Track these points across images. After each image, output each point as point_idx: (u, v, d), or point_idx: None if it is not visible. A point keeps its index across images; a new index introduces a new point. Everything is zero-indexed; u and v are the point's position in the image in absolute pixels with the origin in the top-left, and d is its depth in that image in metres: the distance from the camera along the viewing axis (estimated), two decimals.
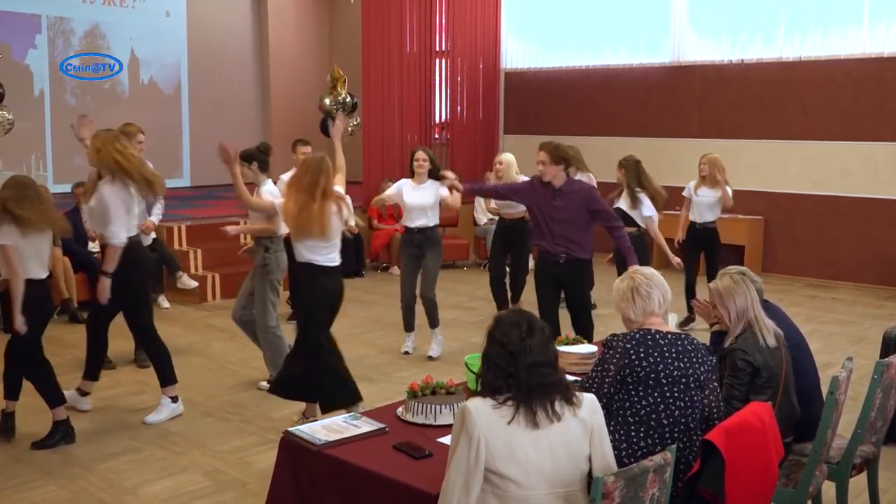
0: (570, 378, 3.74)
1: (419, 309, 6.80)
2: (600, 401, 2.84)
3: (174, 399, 5.47)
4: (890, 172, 9.71)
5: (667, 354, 3.07)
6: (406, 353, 6.77)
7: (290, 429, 3.40)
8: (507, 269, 7.54)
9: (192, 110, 13.53)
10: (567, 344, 4.44)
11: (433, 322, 6.76)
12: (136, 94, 12.93)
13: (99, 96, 12.56)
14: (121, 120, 12.38)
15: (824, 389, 3.46)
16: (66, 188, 9.13)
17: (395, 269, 10.24)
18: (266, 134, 14.29)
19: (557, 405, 2.61)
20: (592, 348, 4.38)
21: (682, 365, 3.08)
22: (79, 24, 12.26)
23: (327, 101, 11.37)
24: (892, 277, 9.74)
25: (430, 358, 6.64)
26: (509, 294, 7.52)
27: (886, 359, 3.62)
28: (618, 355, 3.08)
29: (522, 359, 2.60)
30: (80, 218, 7.83)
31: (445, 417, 3.45)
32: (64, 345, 7.07)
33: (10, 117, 8.69)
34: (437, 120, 12.80)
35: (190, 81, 13.48)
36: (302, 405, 5.28)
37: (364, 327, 7.74)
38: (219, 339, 6.63)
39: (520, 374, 2.59)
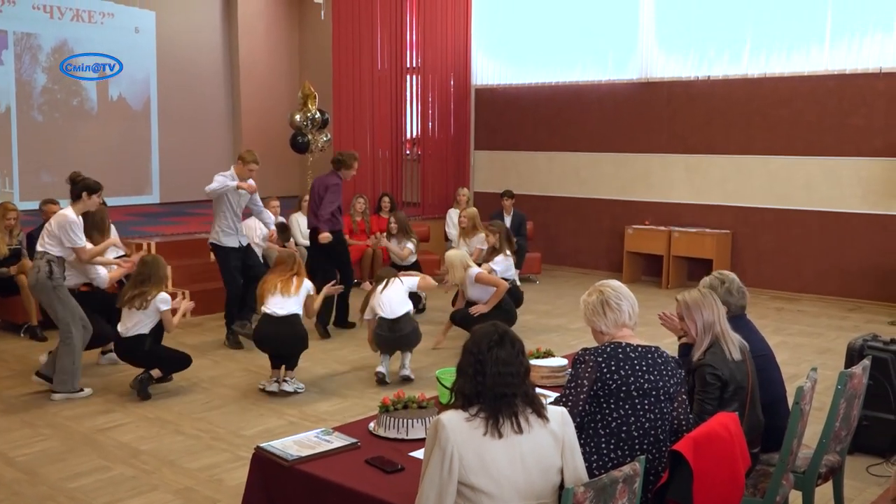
0: (544, 392, 3.80)
1: None
2: (576, 417, 2.85)
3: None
4: (853, 186, 9.89)
5: (637, 367, 3.10)
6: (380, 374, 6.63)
7: (261, 445, 3.39)
8: None
9: (161, 126, 13.45)
10: (537, 357, 4.48)
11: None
12: (105, 111, 12.85)
13: (67, 113, 12.46)
14: (90, 136, 12.42)
15: (791, 400, 3.51)
16: (34, 205, 9.03)
17: (367, 285, 10.19)
18: (236, 149, 14.24)
19: (524, 416, 2.62)
20: (563, 361, 4.41)
21: (652, 378, 3.11)
22: (46, 41, 12.17)
23: (298, 117, 11.36)
24: (856, 289, 9.91)
25: (406, 378, 6.56)
26: None
27: (850, 369, 3.68)
28: (589, 369, 3.10)
29: (490, 367, 2.62)
30: None
31: (417, 431, 3.46)
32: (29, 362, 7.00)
33: None
34: (409, 136, 12.83)
35: (160, 97, 13.42)
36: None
37: (336, 343, 7.72)
38: (192, 357, 6.57)
39: (486, 381, 2.61)
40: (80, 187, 6.13)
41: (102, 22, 12.72)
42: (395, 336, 6.41)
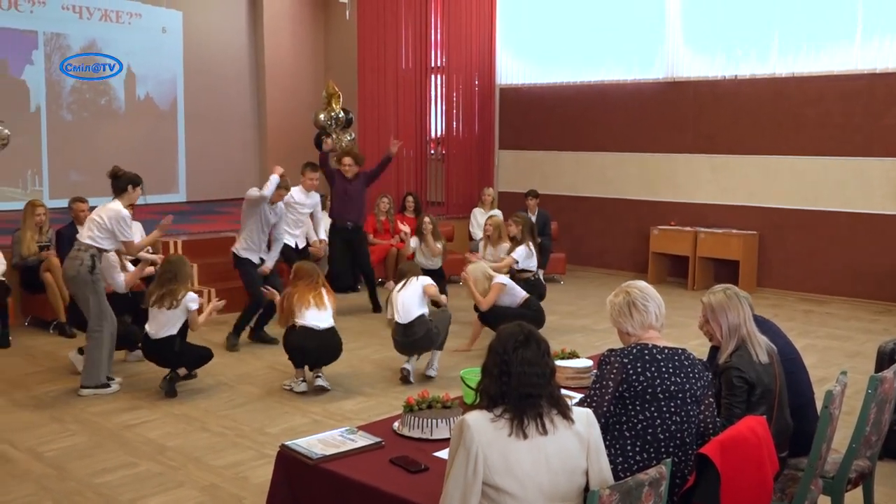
0: (569, 394, 3.79)
1: None
2: (601, 418, 2.83)
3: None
4: (882, 187, 9.77)
5: (664, 369, 3.08)
6: (405, 370, 6.65)
7: (286, 443, 3.40)
8: None
9: (188, 125, 13.54)
10: (563, 358, 4.46)
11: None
12: (133, 110, 12.96)
13: (95, 112, 12.58)
14: (117, 135, 12.55)
15: (819, 404, 3.47)
16: (63, 203, 9.12)
17: (390, 284, 10.23)
18: (261, 148, 14.33)
19: (549, 417, 2.61)
20: (588, 363, 4.39)
21: (678, 380, 3.09)
22: (75, 40, 12.29)
23: (322, 116, 11.40)
24: (886, 292, 9.78)
25: (429, 377, 6.58)
26: None
27: (881, 373, 3.63)
28: (615, 370, 3.08)
29: (515, 367, 2.61)
30: (77, 233, 7.81)
31: (442, 431, 3.45)
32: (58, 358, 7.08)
33: (7, 132, 8.69)
34: (433, 135, 12.83)
35: (186, 97, 13.51)
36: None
37: (360, 342, 7.74)
38: (215, 354, 6.62)
39: (512, 381, 2.60)
40: (125, 181, 6.26)
41: (130, 22, 12.83)
42: (408, 340, 6.43)
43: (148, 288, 6.45)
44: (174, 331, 6.13)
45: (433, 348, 6.57)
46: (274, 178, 7.64)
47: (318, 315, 6.15)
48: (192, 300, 6.16)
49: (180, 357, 6.20)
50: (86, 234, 6.19)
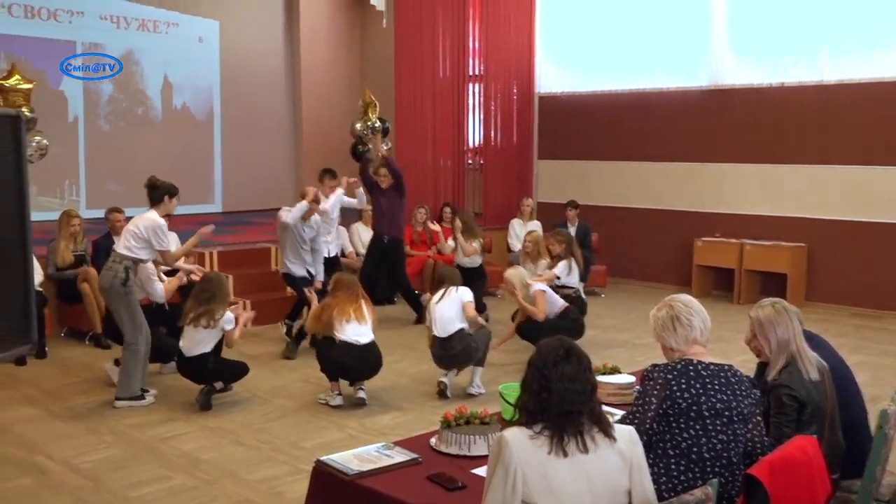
0: (611, 410, 3.75)
1: None
2: (643, 436, 2.81)
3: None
4: None
5: (709, 386, 3.05)
6: (443, 384, 6.64)
7: (322, 458, 3.41)
8: None
9: (224, 135, 13.70)
10: (604, 374, 4.43)
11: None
12: (169, 120, 13.14)
13: (132, 121, 12.78)
14: (154, 145, 12.73)
15: (873, 424, 3.40)
16: (100, 213, 9.26)
17: (428, 296, 10.22)
18: (297, 158, 14.45)
19: (590, 434, 2.59)
20: (630, 378, 4.35)
21: (724, 397, 3.05)
22: (113, 50, 12.50)
23: (358, 125, 11.46)
24: None
25: (471, 395, 6.50)
26: None
27: None
28: (658, 387, 3.05)
29: (555, 383, 2.60)
30: (113, 244, 7.93)
31: (480, 448, 3.44)
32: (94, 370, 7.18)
33: (45, 143, 8.85)
34: (471, 145, 12.84)
35: (223, 106, 13.67)
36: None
37: (396, 355, 7.74)
38: (252, 367, 6.66)
39: (552, 397, 2.59)
40: (162, 191, 6.38)
41: (167, 31, 13.03)
42: (446, 354, 6.42)
43: (184, 302, 6.51)
44: (208, 349, 6.18)
45: (472, 364, 6.55)
46: (302, 205, 7.74)
47: (358, 329, 6.17)
48: (228, 321, 6.23)
49: (215, 374, 6.26)
50: (122, 245, 6.29)
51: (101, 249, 7.98)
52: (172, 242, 7.56)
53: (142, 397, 6.29)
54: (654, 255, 11.79)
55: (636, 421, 3.05)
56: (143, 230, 6.22)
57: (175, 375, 6.82)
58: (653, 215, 11.82)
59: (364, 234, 9.91)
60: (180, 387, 6.63)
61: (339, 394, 6.27)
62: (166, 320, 6.92)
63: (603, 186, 12.30)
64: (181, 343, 6.24)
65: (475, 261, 9.12)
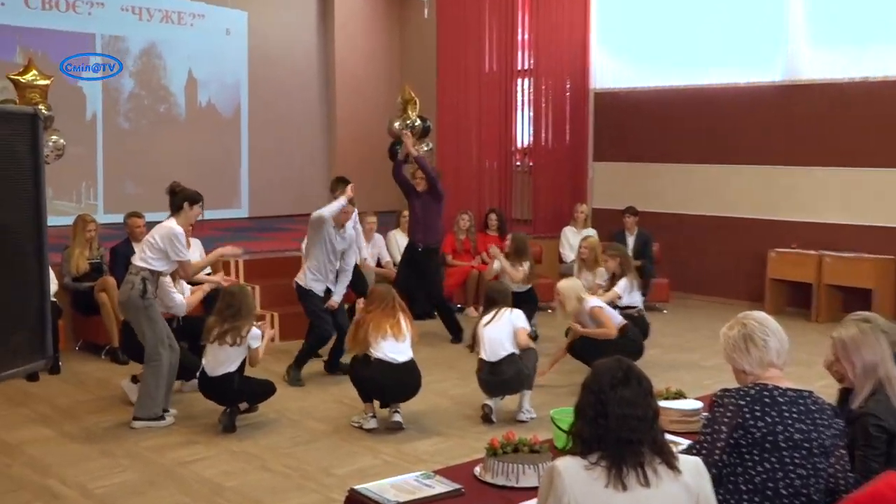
0: (675, 439, 3.70)
1: None
2: (711, 468, 2.77)
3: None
4: None
5: (786, 414, 3.00)
6: (487, 408, 6.60)
7: (356, 487, 3.41)
8: None
9: (252, 135, 13.86)
10: (668, 398, 4.39)
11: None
12: (193, 117, 13.33)
13: (154, 119, 12.99)
14: (177, 144, 12.92)
15: None
16: (118, 218, 9.38)
17: (472, 311, 10.23)
18: (331, 159, 14.56)
19: (652, 466, 2.56)
20: (697, 404, 4.31)
21: (804, 427, 3.00)
22: (134, 44, 12.73)
23: (397, 124, 11.51)
24: None
25: (520, 421, 6.45)
26: None
27: None
28: (729, 414, 3.02)
29: (613, 408, 2.58)
30: (133, 251, 8.02)
31: (529, 479, 3.42)
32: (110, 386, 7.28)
33: (62, 142, 9.02)
34: (519, 145, 12.83)
35: (251, 103, 13.83)
36: None
37: (437, 374, 7.73)
38: (279, 386, 6.70)
39: (609, 424, 2.56)
40: (181, 198, 6.45)
41: (192, 24, 13.23)
42: (495, 380, 6.40)
43: (206, 318, 6.56)
44: (233, 368, 6.22)
45: (523, 389, 6.53)
46: (341, 201, 7.65)
47: (395, 346, 6.17)
48: (255, 337, 6.27)
49: (240, 395, 6.30)
50: (138, 256, 6.39)
51: (120, 257, 8.10)
52: (195, 250, 7.63)
53: (161, 418, 6.36)
54: (722, 268, 11.66)
55: (704, 452, 3.02)
56: (159, 240, 6.29)
57: (196, 394, 6.87)
58: (721, 223, 11.68)
59: (402, 241, 9.94)
60: (202, 407, 6.68)
61: (374, 416, 6.28)
62: (188, 334, 6.99)
63: (665, 191, 12.20)
64: (204, 361, 6.29)
65: (523, 285, 9.02)
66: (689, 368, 8.13)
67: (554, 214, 12.48)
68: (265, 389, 6.41)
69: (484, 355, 6.39)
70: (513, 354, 6.38)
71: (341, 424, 6.43)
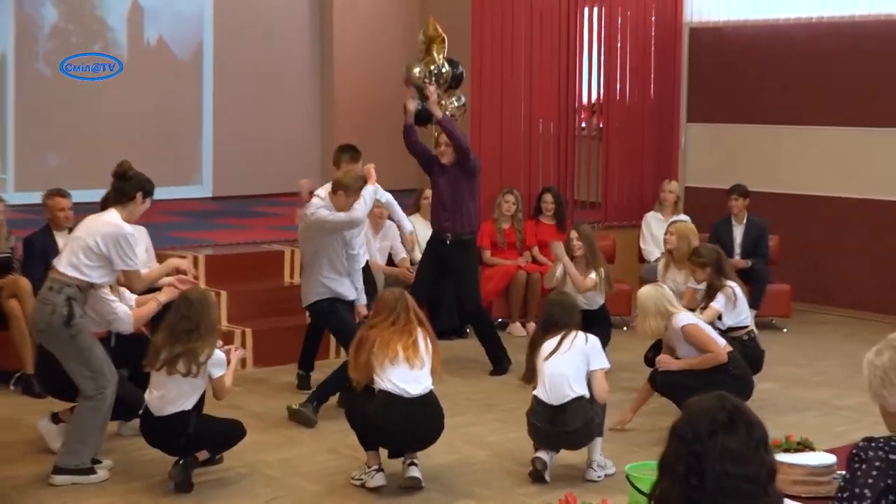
0: None
1: None
2: None
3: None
4: None
5: None
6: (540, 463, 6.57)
7: None
8: None
9: (217, 85, 13.86)
10: (788, 450, 4.37)
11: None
12: (138, 61, 13.32)
13: (85, 63, 12.97)
14: (115, 97, 12.94)
15: None
16: (34, 198, 9.43)
17: (517, 328, 10.21)
18: (325, 119, 14.56)
19: None
20: (829, 458, 4.29)
21: None
22: None
23: (417, 70, 11.49)
24: None
25: (590, 480, 6.48)
26: None
27: None
28: (876, 472, 3.02)
29: (711, 463, 2.57)
30: (54, 243, 8.05)
31: None
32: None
33: None
34: (585, 100, 12.81)
35: (216, 43, 13.84)
36: None
37: (468, 414, 7.73)
38: (252, 429, 6.71)
39: (706, 485, 2.56)
40: (134, 185, 6.42)
41: None
42: (555, 431, 6.39)
43: (153, 335, 6.53)
44: (188, 405, 6.21)
45: (593, 440, 6.53)
46: (370, 191, 7.72)
47: (407, 374, 6.16)
48: (217, 364, 6.26)
49: (197, 441, 6.28)
50: (67, 262, 6.27)
51: (37, 251, 8.14)
52: (140, 242, 7.58)
53: (91, 470, 6.37)
54: (866, 270, 11.60)
55: None
56: (102, 243, 6.21)
57: (138, 439, 6.89)
58: (864, 209, 11.63)
59: (423, 231, 9.94)
60: (146, 454, 6.69)
61: (380, 469, 6.28)
62: (127, 358, 6.96)
63: (787, 164, 12.15)
64: (148, 397, 6.28)
65: (594, 300, 8.94)
66: (818, 409, 8.13)
67: (631, 196, 12.47)
68: (231, 433, 6.41)
69: (543, 395, 6.37)
70: (581, 398, 6.37)
71: (338, 483, 6.43)
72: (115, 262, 6.24)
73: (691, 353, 7.22)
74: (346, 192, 7.62)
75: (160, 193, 9.00)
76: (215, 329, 6.43)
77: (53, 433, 6.71)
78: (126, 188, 6.40)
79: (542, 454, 6.43)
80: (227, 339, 8.88)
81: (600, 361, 6.52)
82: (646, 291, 7.41)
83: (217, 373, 6.23)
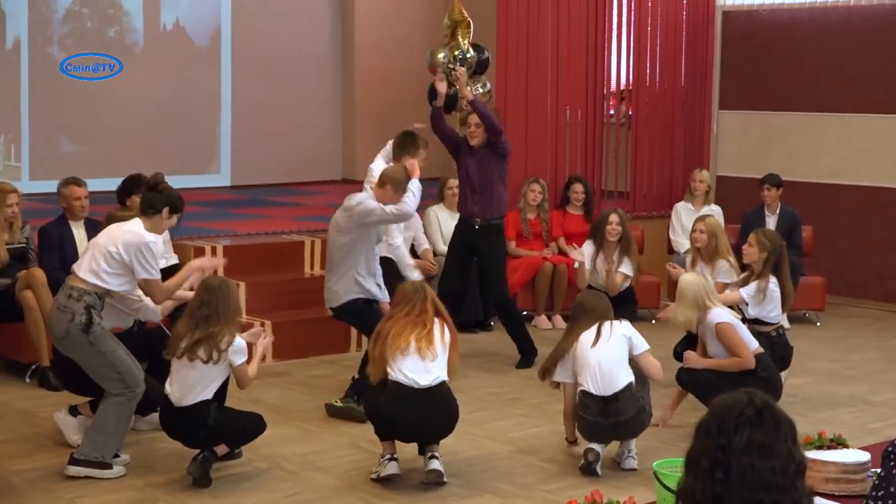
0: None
1: None
2: None
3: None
4: None
5: None
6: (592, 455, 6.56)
7: None
8: None
9: (236, 72, 13.87)
10: (820, 447, 4.37)
11: None
12: (154, 47, 13.36)
13: (100, 49, 13.01)
14: (132, 84, 12.98)
15: None
16: (49, 187, 9.49)
17: (542, 321, 10.22)
18: (345, 107, 14.54)
19: None
20: (863, 456, 4.29)
21: None
22: None
23: (441, 55, 11.49)
24: None
25: (628, 469, 6.52)
26: None
27: None
28: None
29: (738, 458, 2.60)
30: (70, 233, 8.11)
31: None
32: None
33: None
34: (613, 87, 12.79)
35: (234, 27, 13.86)
36: None
37: (491, 409, 7.74)
38: (271, 423, 6.73)
39: (732, 480, 2.58)
40: (163, 200, 6.44)
41: None
42: (609, 423, 6.41)
43: (173, 325, 6.59)
44: (209, 394, 6.25)
45: (634, 436, 6.57)
46: (417, 184, 7.72)
47: (418, 365, 6.19)
48: (239, 351, 6.27)
49: (217, 433, 6.32)
50: (87, 268, 6.29)
51: (52, 241, 8.19)
52: (158, 241, 7.56)
53: (108, 466, 6.40)
54: None
55: None
56: (123, 249, 6.24)
57: (157, 433, 6.93)
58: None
59: (447, 221, 9.94)
60: (164, 449, 6.74)
61: (393, 458, 6.29)
62: (146, 350, 7.01)
63: (821, 153, 12.11)
64: (168, 386, 6.32)
65: (622, 285, 9.01)
66: (851, 406, 8.09)
67: (661, 185, 12.44)
68: (252, 427, 6.44)
69: (592, 387, 6.39)
70: (630, 385, 6.41)
71: (358, 478, 6.45)
72: (136, 270, 6.27)
73: (720, 351, 7.21)
74: (394, 186, 7.65)
75: (177, 182, 9.08)
76: (236, 315, 6.44)
77: (72, 426, 6.74)
78: (154, 200, 6.43)
79: (596, 445, 6.45)
80: (249, 328, 8.96)
81: (642, 343, 6.59)
82: (688, 279, 7.41)
83: (238, 360, 6.25)
